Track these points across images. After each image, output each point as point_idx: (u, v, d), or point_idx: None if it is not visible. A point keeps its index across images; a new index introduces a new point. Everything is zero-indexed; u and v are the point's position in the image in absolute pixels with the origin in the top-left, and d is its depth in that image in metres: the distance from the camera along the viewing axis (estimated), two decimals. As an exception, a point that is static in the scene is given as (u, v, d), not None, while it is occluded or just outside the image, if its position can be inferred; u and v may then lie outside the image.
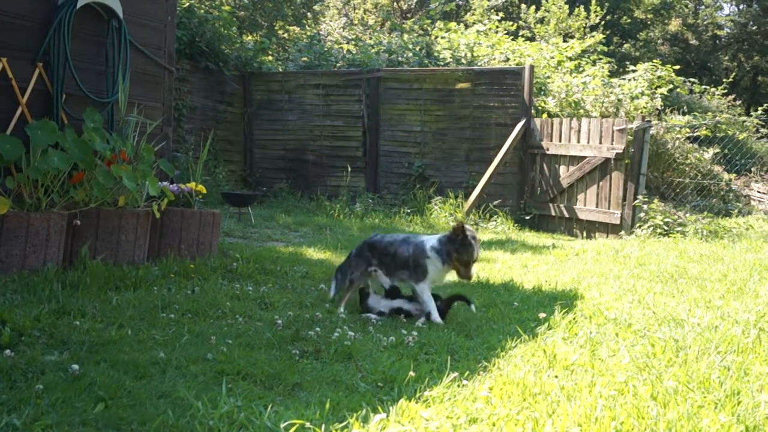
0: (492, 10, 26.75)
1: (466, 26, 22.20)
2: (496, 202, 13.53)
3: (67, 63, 6.97)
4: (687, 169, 14.84)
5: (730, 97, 22.49)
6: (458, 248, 5.31)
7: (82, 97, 7.16)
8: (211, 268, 6.80)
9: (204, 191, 7.69)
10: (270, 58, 18.94)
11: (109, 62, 7.49)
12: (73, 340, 4.18)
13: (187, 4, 15.22)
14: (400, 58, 17.30)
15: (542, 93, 15.71)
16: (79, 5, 7.04)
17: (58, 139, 6.22)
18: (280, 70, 17.38)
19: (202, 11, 16.09)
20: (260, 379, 3.76)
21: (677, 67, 17.90)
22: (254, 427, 3.03)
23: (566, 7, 27.12)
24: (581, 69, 17.80)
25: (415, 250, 5.52)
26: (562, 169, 13.29)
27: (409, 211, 13.75)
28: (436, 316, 5.36)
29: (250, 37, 20.51)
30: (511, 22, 23.26)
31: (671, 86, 17.04)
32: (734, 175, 16.86)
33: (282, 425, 3.01)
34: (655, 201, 12.16)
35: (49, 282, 5.43)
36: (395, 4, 29.70)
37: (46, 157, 6.02)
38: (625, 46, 32.88)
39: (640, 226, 11.84)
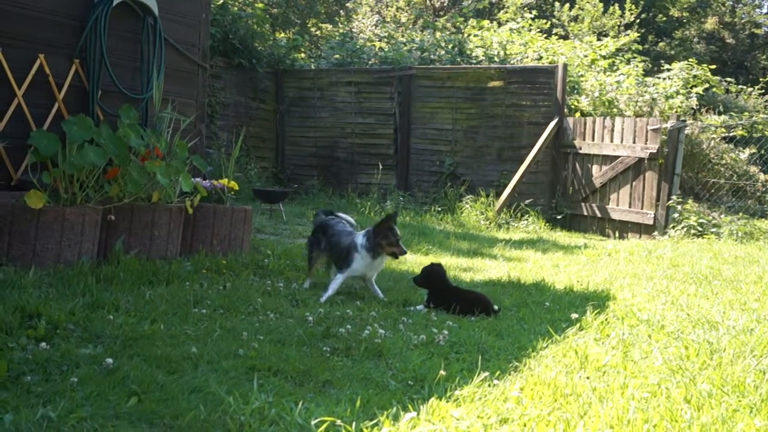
0: (525, 8, 26.59)
1: (499, 24, 22.09)
2: (527, 201, 13.46)
3: (103, 59, 7.04)
4: (722, 169, 14.62)
5: (767, 97, 22.14)
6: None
7: (117, 94, 7.23)
8: (243, 264, 6.84)
9: (236, 187, 7.73)
10: (302, 55, 19.00)
11: (144, 59, 7.56)
12: (107, 334, 4.22)
13: (221, 1, 15.30)
14: (432, 56, 17.26)
15: (575, 92, 15.59)
16: (115, 2, 7.11)
17: (94, 134, 6.28)
18: (313, 67, 17.42)
19: (236, 8, 16.19)
20: (291, 376, 3.77)
21: (713, 66, 17.67)
22: (285, 424, 3.04)
23: (600, 5, 26.88)
24: (615, 68, 17.64)
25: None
26: (595, 168, 13.19)
27: (439, 209, 13.73)
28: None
29: (282, 35, 20.61)
30: (544, 20, 23.12)
31: (707, 85, 16.81)
32: (771, 176, 16.60)
33: (313, 422, 3.02)
34: (690, 201, 12.04)
35: (83, 276, 5.49)
36: (428, 1, 29.62)
37: (81, 152, 6.08)
38: (660, 44, 32.51)
39: (673, 227, 11.72)
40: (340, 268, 6.05)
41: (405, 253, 6.05)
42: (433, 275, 5.89)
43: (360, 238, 6.00)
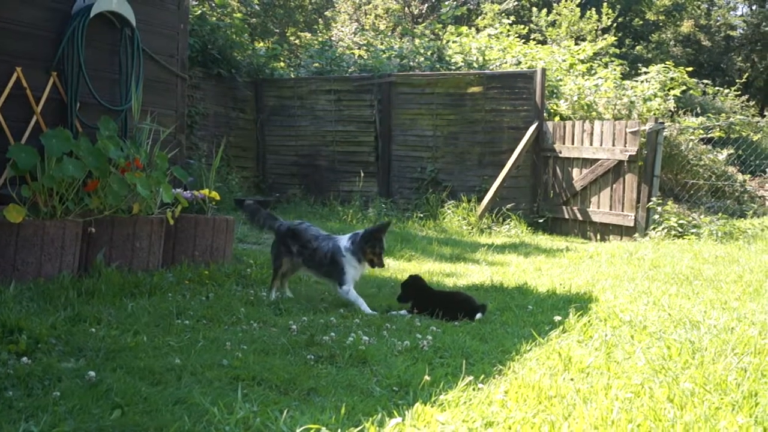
0: (503, 14, 26.75)
1: (478, 30, 22.20)
2: (509, 206, 13.49)
3: (81, 71, 7.01)
4: (701, 170, 14.76)
5: (744, 98, 22.36)
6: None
7: (95, 105, 7.21)
8: (226, 274, 6.82)
9: (217, 198, 7.71)
10: (282, 64, 18.97)
11: (122, 70, 7.54)
12: (89, 347, 4.20)
13: (199, 11, 15.29)
14: (411, 63, 17.30)
15: (554, 96, 15.67)
16: (92, 14, 7.08)
17: (73, 147, 6.25)
18: (292, 76, 17.41)
19: (214, 19, 16.16)
20: (275, 385, 3.76)
21: (690, 68, 17.82)
22: (270, 432, 3.04)
23: (578, 10, 27.07)
24: (593, 71, 17.74)
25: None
26: (575, 171, 13.25)
27: (422, 215, 13.74)
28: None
29: (261, 44, 20.56)
30: (522, 26, 23.25)
31: (684, 88, 16.95)
32: (749, 176, 16.75)
33: (298, 430, 3.02)
34: (669, 203, 12.12)
35: (64, 289, 5.46)
36: (406, 9, 29.70)
37: (60, 165, 6.05)
38: (637, 48, 32.77)
39: (654, 228, 11.79)
40: (338, 280, 5.93)
41: (383, 266, 6.06)
42: (414, 287, 5.91)
43: (344, 241, 5.98)
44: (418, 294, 5.87)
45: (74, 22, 6.98)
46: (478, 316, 5.59)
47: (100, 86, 7.29)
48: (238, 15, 17.78)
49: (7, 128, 6.49)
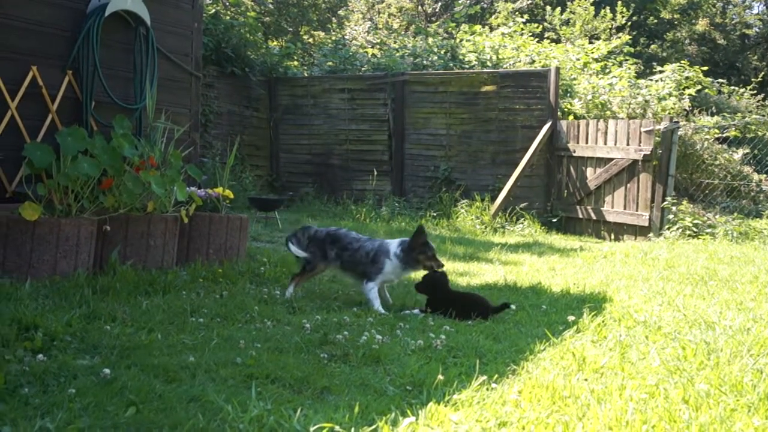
0: (517, 13, 26.67)
1: (491, 29, 22.14)
2: (522, 205, 13.47)
3: (96, 70, 7.05)
4: (716, 170, 14.66)
5: (760, 97, 22.21)
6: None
7: (110, 104, 7.24)
8: (239, 273, 6.84)
9: (231, 196, 7.74)
10: (295, 63, 19.01)
11: (136, 69, 7.56)
12: (104, 345, 4.21)
13: (213, 10, 15.33)
14: (425, 62, 17.29)
15: (568, 95, 15.63)
16: (107, 13, 7.11)
17: (88, 145, 6.28)
18: (306, 74, 17.44)
19: (228, 17, 16.20)
20: (289, 383, 3.77)
21: (705, 67, 17.71)
22: (284, 431, 3.04)
23: (592, 8, 26.96)
24: (607, 70, 17.68)
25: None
26: (589, 171, 13.22)
27: (435, 214, 13.74)
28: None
29: (275, 43, 20.63)
30: (536, 25, 23.16)
31: (699, 87, 16.86)
32: (765, 175, 16.64)
33: (311, 429, 3.02)
34: (684, 202, 12.06)
35: (79, 287, 5.48)
36: (420, 7, 29.69)
37: (75, 163, 6.08)
38: (652, 46, 32.59)
39: (668, 228, 11.74)
40: (369, 276, 5.96)
41: (442, 266, 6.05)
42: (436, 283, 5.89)
43: (394, 247, 5.98)
44: (438, 292, 5.85)
45: (89, 20, 7.02)
46: (513, 306, 5.67)
47: (115, 85, 7.33)
48: (252, 14, 17.81)
49: (23, 126, 6.53)
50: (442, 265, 6.03)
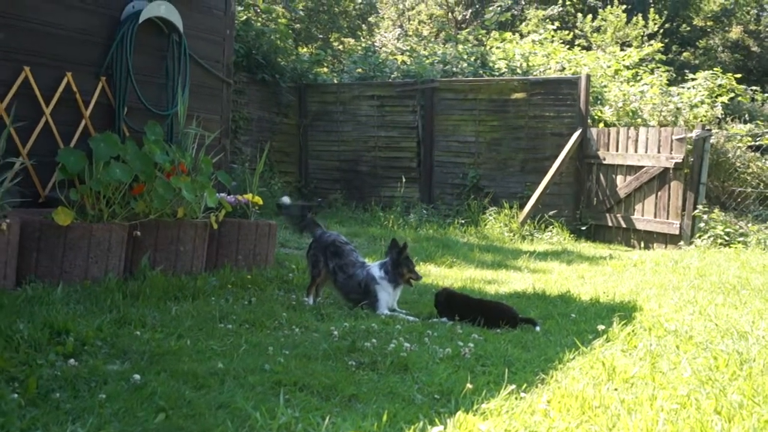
0: (547, 20, 26.55)
1: (522, 36, 22.07)
2: (551, 213, 13.39)
3: (129, 76, 7.12)
4: (749, 178, 14.47)
5: (794, 105, 21.88)
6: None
7: (142, 110, 7.32)
8: (268, 279, 6.87)
9: (260, 202, 7.77)
10: (325, 69, 19.08)
11: (169, 75, 7.64)
12: (134, 350, 4.25)
13: (245, 17, 15.43)
14: (454, 69, 17.28)
15: (599, 102, 15.53)
16: (141, 20, 7.19)
17: (120, 151, 6.35)
18: (335, 81, 17.50)
19: (259, 24, 16.30)
20: (317, 390, 3.77)
21: (738, 75, 17.51)
22: (312, 438, 3.05)
23: (624, 15, 26.75)
24: (639, 78, 17.54)
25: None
26: (619, 178, 13.12)
27: (463, 221, 13.69)
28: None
29: (305, 49, 20.69)
30: (567, 32, 23.06)
31: (732, 94, 16.67)
32: (798, 184, 16.41)
33: (339, 436, 3.02)
34: (716, 211, 11.92)
35: (110, 292, 5.53)
36: (450, 14, 29.69)
37: (108, 169, 6.14)
38: (684, 54, 32.28)
39: (700, 237, 11.62)
40: (373, 308, 5.99)
41: (420, 278, 6.35)
42: (451, 300, 5.90)
43: (376, 270, 6.08)
44: (454, 306, 5.85)
45: (123, 27, 7.10)
46: (537, 328, 5.57)
47: (148, 91, 7.40)
48: (283, 21, 17.91)
49: (56, 132, 6.62)
50: (420, 278, 6.36)
